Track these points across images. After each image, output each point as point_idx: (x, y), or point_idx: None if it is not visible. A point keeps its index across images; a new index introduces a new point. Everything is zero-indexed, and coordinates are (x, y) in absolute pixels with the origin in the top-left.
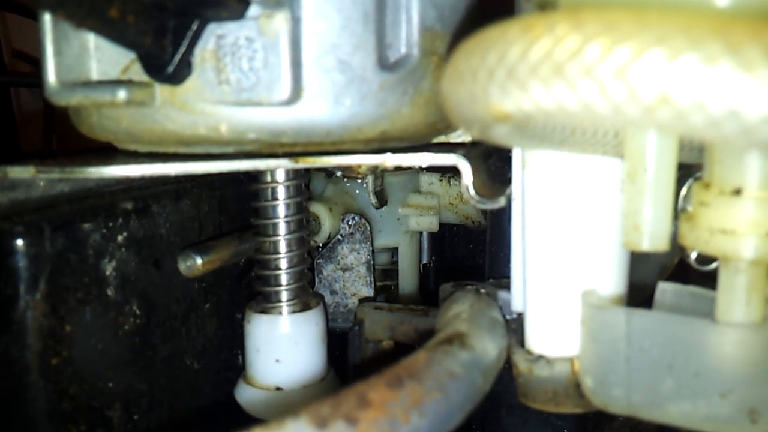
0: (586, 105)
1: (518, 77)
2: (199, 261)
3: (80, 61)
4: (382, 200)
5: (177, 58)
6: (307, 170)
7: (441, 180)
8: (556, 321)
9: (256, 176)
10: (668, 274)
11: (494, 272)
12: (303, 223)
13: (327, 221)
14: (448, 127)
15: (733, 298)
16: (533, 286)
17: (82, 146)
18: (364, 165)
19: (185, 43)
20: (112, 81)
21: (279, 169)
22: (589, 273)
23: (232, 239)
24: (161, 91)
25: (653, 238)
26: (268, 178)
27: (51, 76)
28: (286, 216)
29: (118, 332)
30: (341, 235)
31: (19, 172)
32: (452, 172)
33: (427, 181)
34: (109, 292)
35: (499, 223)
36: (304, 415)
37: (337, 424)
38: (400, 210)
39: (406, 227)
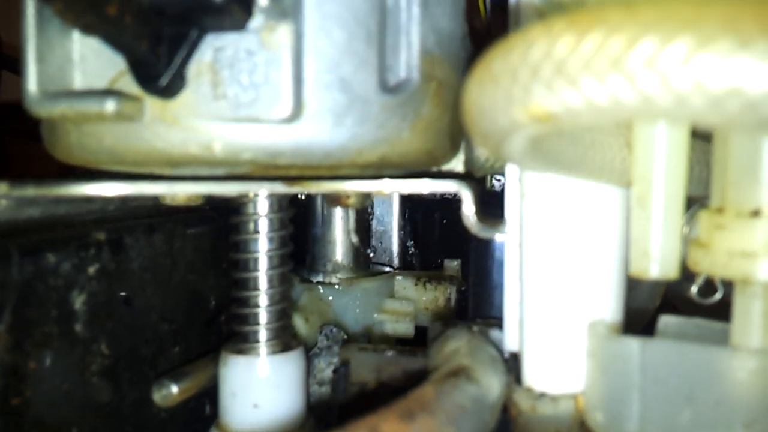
0: (644, 96)
1: (568, 72)
2: (174, 390)
3: (63, 72)
4: (363, 240)
5: (172, 68)
6: (291, 203)
7: (416, 284)
8: (558, 356)
9: (237, 209)
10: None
11: (478, 313)
12: (286, 259)
13: (303, 331)
14: (445, 156)
15: (750, 323)
16: (533, 320)
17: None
18: (353, 195)
19: (181, 53)
20: (100, 91)
21: (262, 200)
22: (591, 304)
23: (209, 362)
24: (151, 105)
25: (663, 265)
26: (251, 210)
27: (32, 84)
28: (268, 250)
29: (85, 373)
30: (318, 348)
31: None
32: (428, 277)
33: (402, 285)
34: (77, 328)
35: (482, 263)
36: None
37: None
38: (375, 316)
39: (382, 333)
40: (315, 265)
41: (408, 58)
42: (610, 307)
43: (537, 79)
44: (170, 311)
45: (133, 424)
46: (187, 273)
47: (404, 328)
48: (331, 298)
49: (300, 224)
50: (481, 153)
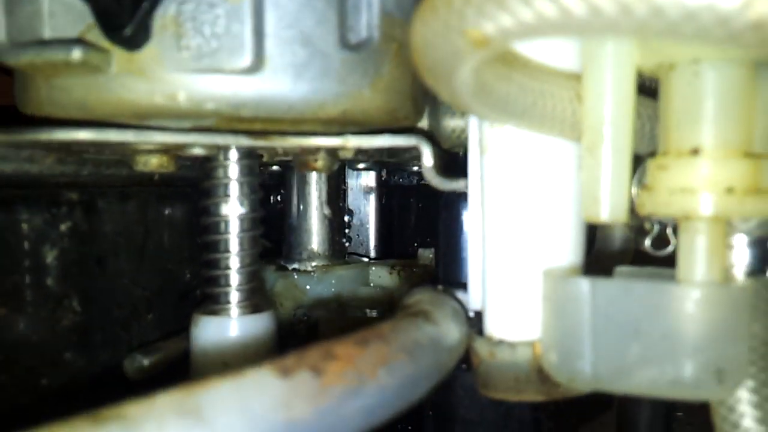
0: (565, 11)
1: None
2: (145, 362)
3: (32, 25)
4: (336, 212)
5: (136, 18)
6: (261, 168)
7: (390, 273)
8: (517, 304)
9: (207, 173)
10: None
11: (448, 279)
12: (256, 223)
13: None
14: (407, 118)
15: (694, 259)
16: (494, 270)
17: None
18: (321, 158)
19: (145, 5)
20: (67, 39)
21: (233, 164)
22: (550, 251)
23: (180, 340)
24: (118, 57)
25: (613, 209)
26: (221, 174)
27: (1, 34)
28: (240, 214)
29: (56, 327)
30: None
31: None
32: (402, 266)
33: (376, 274)
34: (49, 282)
35: (450, 232)
36: (267, 365)
37: (302, 374)
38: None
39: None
40: (291, 254)
41: (368, 18)
42: (567, 253)
43: (469, 4)
44: (144, 278)
45: (103, 384)
46: (161, 244)
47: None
48: (307, 286)
49: (276, 216)
50: (448, 124)
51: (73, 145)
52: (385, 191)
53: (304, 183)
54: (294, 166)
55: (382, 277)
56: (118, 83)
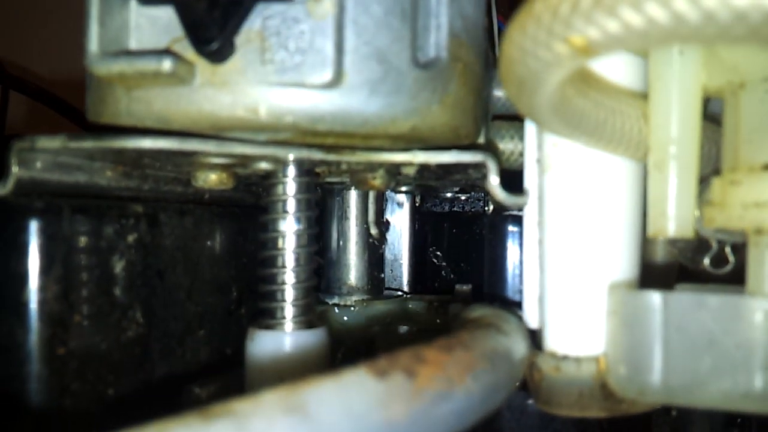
0: (678, 16)
1: (605, 3)
2: (203, 395)
3: (120, 37)
4: (382, 233)
5: (225, 32)
6: (318, 187)
7: (428, 308)
8: (580, 319)
9: (267, 190)
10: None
11: (494, 299)
12: (312, 240)
13: None
14: (468, 136)
15: (764, 272)
16: (555, 286)
17: None
18: (379, 176)
19: (234, 18)
20: (157, 50)
21: (291, 182)
22: (611, 266)
23: (236, 375)
24: (202, 69)
25: (679, 224)
26: (280, 191)
27: (93, 44)
28: (296, 229)
29: (121, 336)
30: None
31: (48, 143)
32: (439, 301)
33: (414, 309)
34: (117, 292)
35: (496, 251)
36: (363, 366)
37: (396, 376)
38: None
39: None
40: (330, 288)
41: (437, 39)
42: (627, 268)
43: (577, 12)
44: (197, 293)
45: (161, 397)
46: (212, 260)
47: None
48: (345, 318)
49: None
50: (505, 147)
51: (146, 156)
52: (418, 217)
53: (344, 209)
54: (341, 188)
55: (420, 312)
56: (201, 95)
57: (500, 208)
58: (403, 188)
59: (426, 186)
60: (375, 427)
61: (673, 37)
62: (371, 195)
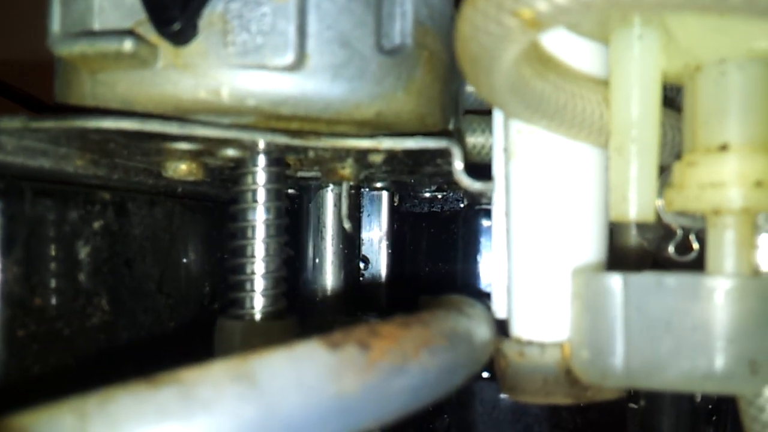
0: None
1: None
2: None
3: (84, 19)
4: (355, 225)
5: (186, 14)
6: (287, 178)
7: None
8: (545, 305)
9: (236, 180)
10: None
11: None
12: (281, 230)
13: None
14: (435, 125)
15: (723, 253)
16: (521, 273)
17: None
18: (348, 165)
19: (195, 1)
20: (119, 31)
21: (260, 172)
22: (576, 252)
23: None
24: (165, 52)
25: (640, 208)
26: (249, 181)
27: (55, 24)
28: (266, 219)
29: (86, 323)
30: None
31: (8, 123)
32: None
33: None
34: (81, 277)
35: (468, 244)
36: (316, 339)
37: (350, 348)
38: None
39: None
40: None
41: (402, 26)
42: (593, 253)
43: None
44: (168, 285)
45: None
46: (184, 253)
47: None
48: None
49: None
50: (469, 140)
51: (111, 140)
52: (397, 217)
53: (320, 215)
54: (314, 187)
55: None
56: (164, 77)
57: (472, 200)
58: (378, 184)
59: (400, 182)
60: (326, 398)
61: (615, 5)
62: (344, 188)
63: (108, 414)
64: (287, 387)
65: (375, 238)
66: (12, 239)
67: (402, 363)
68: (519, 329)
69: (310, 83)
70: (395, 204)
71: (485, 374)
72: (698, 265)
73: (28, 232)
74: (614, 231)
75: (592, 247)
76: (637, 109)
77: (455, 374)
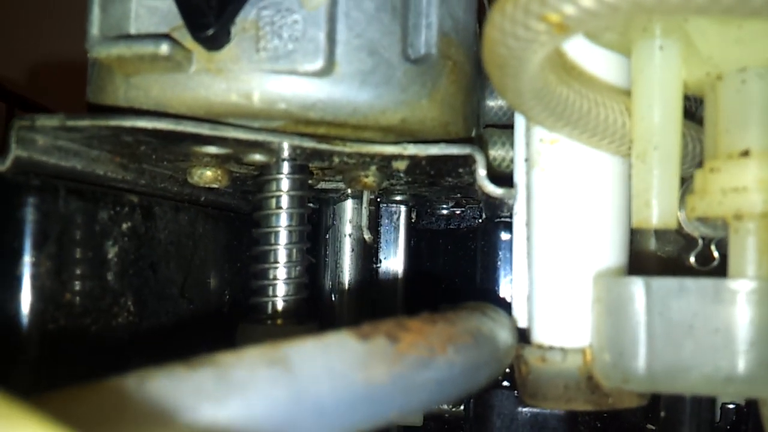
0: None
1: None
2: None
3: (120, 25)
4: (374, 234)
5: (221, 20)
6: (311, 187)
7: None
8: (567, 311)
9: (260, 187)
10: None
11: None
12: (304, 237)
13: None
14: (458, 133)
15: (745, 257)
16: (542, 279)
17: None
18: (372, 174)
19: (230, 7)
20: (155, 34)
21: (284, 179)
22: (598, 258)
23: None
24: (198, 56)
25: (662, 214)
26: (273, 187)
27: (94, 28)
28: (288, 225)
29: (112, 322)
30: None
31: (46, 121)
32: None
33: None
34: (109, 277)
35: (488, 256)
36: (346, 330)
37: (379, 339)
38: None
39: None
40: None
41: (428, 37)
42: (615, 258)
43: None
44: (190, 291)
45: None
46: (206, 260)
47: None
48: None
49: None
50: (491, 153)
51: (143, 142)
52: (414, 233)
53: (339, 226)
54: (333, 200)
55: None
56: (197, 81)
57: (491, 212)
58: (397, 197)
59: (419, 196)
60: (355, 386)
61: (642, 9)
62: (365, 199)
63: (146, 392)
64: (318, 373)
65: (392, 253)
66: (45, 235)
67: (429, 356)
68: (540, 335)
69: (338, 88)
70: (412, 221)
71: (505, 383)
72: (719, 275)
73: (61, 228)
74: (634, 242)
75: (613, 253)
76: (659, 116)
77: (479, 372)
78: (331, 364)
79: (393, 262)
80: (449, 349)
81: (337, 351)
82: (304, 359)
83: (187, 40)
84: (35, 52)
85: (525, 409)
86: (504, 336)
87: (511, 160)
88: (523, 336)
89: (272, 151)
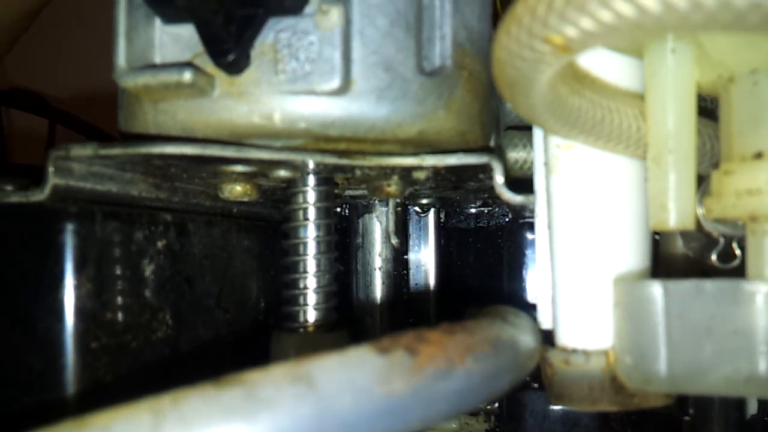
0: (641, 9)
1: (575, 1)
2: None
3: (145, 53)
4: (402, 240)
5: (240, 45)
6: (335, 197)
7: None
8: (590, 314)
9: (287, 199)
10: None
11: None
12: (331, 246)
13: None
14: (476, 142)
15: (763, 258)
16: (565, 282)
17: None
18: (394, 183)
19: (249, 33)
20: (179, 63)
21: (311, 191)
22: (620, 260)
23: None
24: (220, 81)
25: (679, 216)
26: (300, 200)
27: (121, 59)
28: (316, 236)
29: (152, 337)
30: None
31: (80, 151)
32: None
33: None
34: (147, 294)
35: (514, 257)
36: (366, 344)
37: (398, 353)
38: None
39: None
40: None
41: (442, 49)
42: (637, 261)
43: (552, 12)
44: (226, 302)
45: None
46: (240, 271)
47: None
48: None
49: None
50: (511, 156)
51: (173, 165)
52: (443, 233)
53: (367, 231)
54: (361, 206)
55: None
56: (220, 105)
57: (516, 214)
58: (424, 200)
59: (446, 198)
60: (376, 399)
61: (641, 28)
62: (390, 205)
63: (180, 412)
64: (341, 388)
65: (423, 253)
66: (84, 258)
67: (448, 368)
68: (564, 338)
69: (355, 105)
70: (441, 221)
71: (535, 385)
72: (743, 272)
73: (99, 251)
74: (661, 240)
75: (634, 256)
76: (673, 120)
77: (499, 380)
78: (353, 379)
79: (424, 262)
80: (468, 360)
81: (358, 366)
82: (326, 375)
83: (210, 66)
84: (84, 76)
85: (557, 407)
86: (525, 341)
87: (533, 162)
88: (549, 338)
89: (296, 167)
